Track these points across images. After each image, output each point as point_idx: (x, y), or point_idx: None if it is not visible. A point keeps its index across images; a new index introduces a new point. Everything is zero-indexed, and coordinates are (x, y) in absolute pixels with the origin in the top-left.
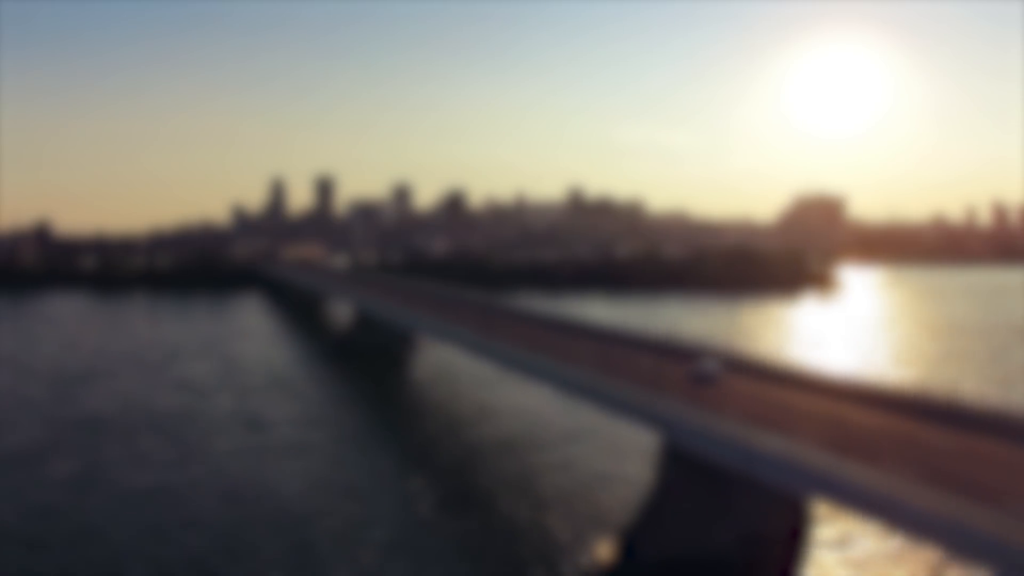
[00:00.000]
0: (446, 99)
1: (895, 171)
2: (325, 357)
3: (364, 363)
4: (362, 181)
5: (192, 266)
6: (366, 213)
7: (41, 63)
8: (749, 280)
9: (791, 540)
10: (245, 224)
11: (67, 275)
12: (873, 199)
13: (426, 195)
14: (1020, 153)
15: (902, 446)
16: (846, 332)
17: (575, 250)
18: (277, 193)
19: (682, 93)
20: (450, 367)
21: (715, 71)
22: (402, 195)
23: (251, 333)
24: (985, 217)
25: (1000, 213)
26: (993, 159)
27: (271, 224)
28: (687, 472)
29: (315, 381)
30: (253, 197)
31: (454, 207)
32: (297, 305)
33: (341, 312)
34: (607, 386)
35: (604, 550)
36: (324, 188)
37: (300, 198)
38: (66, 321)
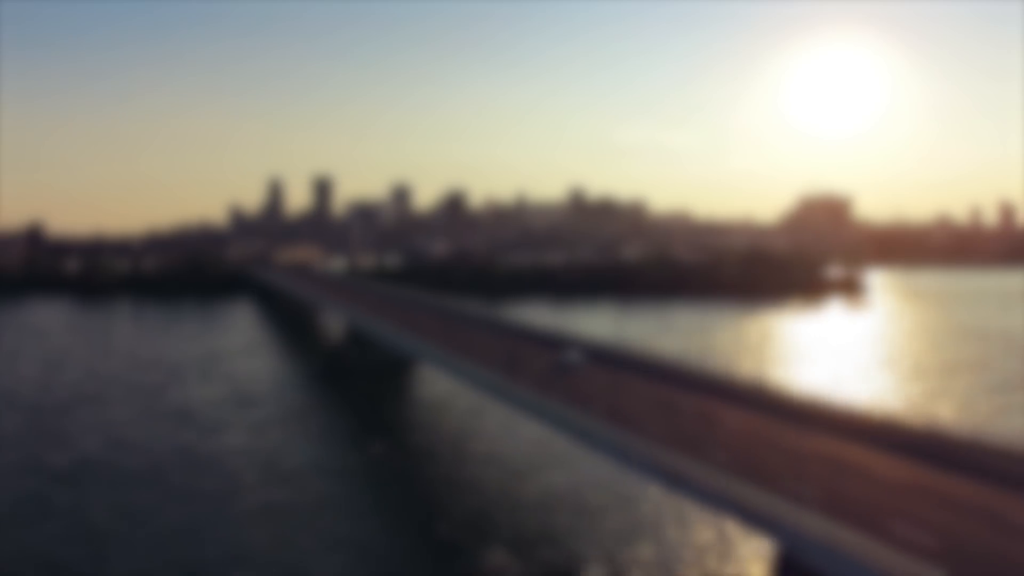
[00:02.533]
0: (446, 99)
1: (895, 171)
2: (328, 380)
3: (371, 386)
4: (361, 181)
5: (180, 270)
6: (365, 214)
7: (39, 64)
8: (766, 285)
9: None
10: (242, 225)
11: (50, 279)
12: (874, 199)
13: (426, 195)
14: (1021, 152)
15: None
16: (917, 350)
17: (578, 251)
18: (275, 194)
19: (682, 93)
20: (463, 391)
21: (715, 71)
22: (401, 195)
23: (245, 349)
24: (991, 217)
25: (1007, 213)
26: (993, 159)
27: (268, 225)
28: None
29: (323, 411)
30: (251, 198)
31: (454, 207)
32: (290, 314)
33: (339, 324)
34: (703, 477)
35: None
36: (322, 188)
37: (298, 199)
38: (49, 332)
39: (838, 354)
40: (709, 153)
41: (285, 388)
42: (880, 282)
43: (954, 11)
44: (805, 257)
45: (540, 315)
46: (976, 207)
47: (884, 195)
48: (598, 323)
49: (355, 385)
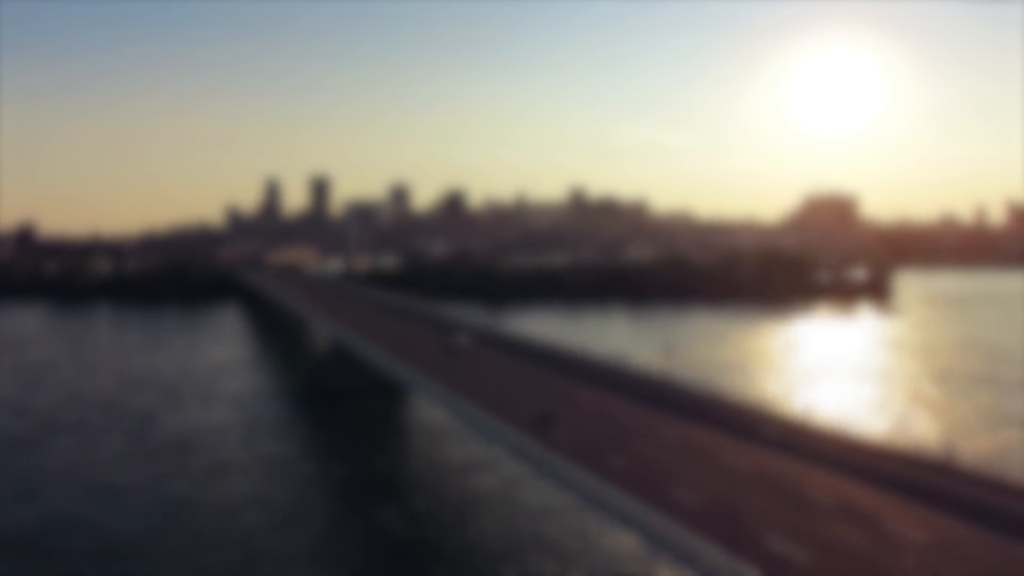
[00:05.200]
0: (446, 99)
1: (895, 171)
2: (318, 405)
3: (367, 412)
4: (360, 181)
5: (164, 273)
6: (363, 214)
7: (38, 64)
8: (785, 288)
9: None
10: (239, 226)
11: (31, 282)
12: (875, 199)
13: (425, 195)
14: (1020, 151)
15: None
16: (1005, 363)
17: (580, 252)
18: (271, 194)
19: (681, 93)
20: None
21: (714, 71)
22: (400, 195)
23: (231, 364)
24: (996, 216)
25: (1015, 213)
26: (992, 159)
27: (265, 225)
28: None
29: (318, 448)
30: (249, 198)
31: (453, 207)
32: (278, 321)
33: (327, 336)
34: None
35: None
36: (319, 188)
37: (296, 199)
38: (26, 343)
39: (918, 371)
40: (709, 153)
41: (274, 417)
42: (898, 284)
43: (954, 11)
44: (827, 259)
45: (549, 325)
46: (981, 207)
47: (885, 195)
48: (618, 334)
49: (350, 411)
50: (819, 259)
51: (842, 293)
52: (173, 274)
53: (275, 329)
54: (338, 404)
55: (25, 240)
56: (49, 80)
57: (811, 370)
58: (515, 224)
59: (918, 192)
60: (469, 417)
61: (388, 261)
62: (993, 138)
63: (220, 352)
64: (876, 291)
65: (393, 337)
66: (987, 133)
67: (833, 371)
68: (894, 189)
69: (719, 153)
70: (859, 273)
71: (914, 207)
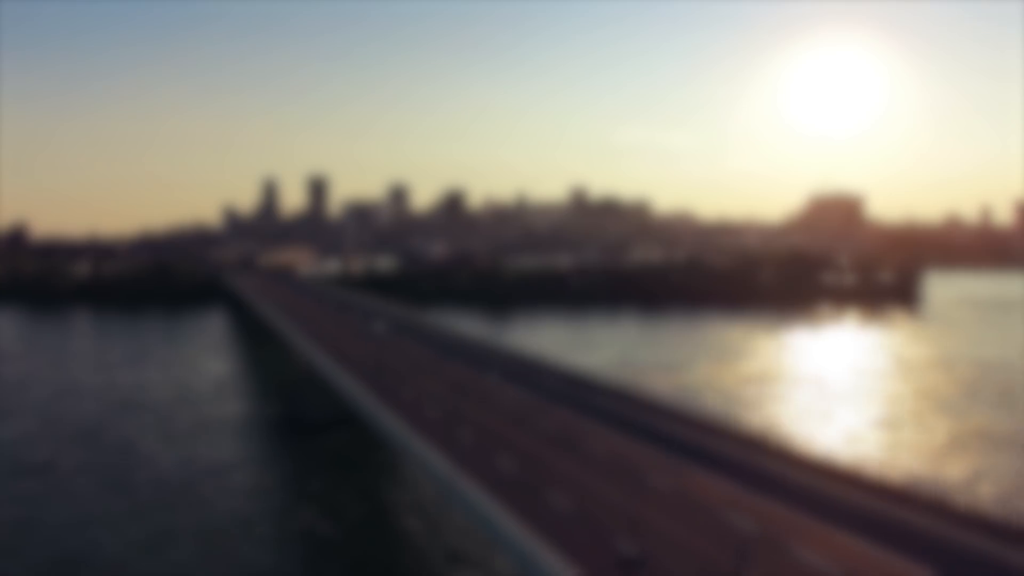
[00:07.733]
0: (445, 99)
1: (894, 171)
2: (316, 439)
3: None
4: (359, 181)
5: (146, 276)
6: (361, 214)
7: (35, 65)
8: (806, 291)
9: None
10: (237, 226)
11: (8, 285)
12: (876, 199)
13: (424, 196)
14: (1021, 150)
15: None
16: None
17: (583, 252)
18: (269, 194)
19: (682, 93)
20: None
21: (715, 71)
22: (399, 195)
23: (218, 385)
24: (1001, 217)
25: (1022, 212)
26: (991, 159)
27: (263, 226)
28: None
29: (330, 498)
30: (247, 199)
31: (453, 208)
32: (266, 331)
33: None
34: None
35: None
36: (317, 188)
37: (294, 199)
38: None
39: None
40: (709, 153)
41: (263, 454)
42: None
43: (953, 11)
44: (840, 260)
45: (563, 336)
46: (985, 207)
47: (887, 195)
48: (645, 346)
49: (342, 445)
50: (834, 261)
51: (867, 297)
52: (156, 277)
53: (261, 339)
54: (329, 433)
55: (17, 241)
56: (47, 80)
57: (905, 399)
58: (516, 224)
59: (919, 192)
60: (495, 533)
61: (386, 262)
62: (993, 138)
63: (202, 367)
64: (904, 295)
65: (378, 362)
66: (987, 133)
67: (925, 397)
68: (895, 189)
69: (719, 153)
70: (885, 276)
71: (917, 207)
